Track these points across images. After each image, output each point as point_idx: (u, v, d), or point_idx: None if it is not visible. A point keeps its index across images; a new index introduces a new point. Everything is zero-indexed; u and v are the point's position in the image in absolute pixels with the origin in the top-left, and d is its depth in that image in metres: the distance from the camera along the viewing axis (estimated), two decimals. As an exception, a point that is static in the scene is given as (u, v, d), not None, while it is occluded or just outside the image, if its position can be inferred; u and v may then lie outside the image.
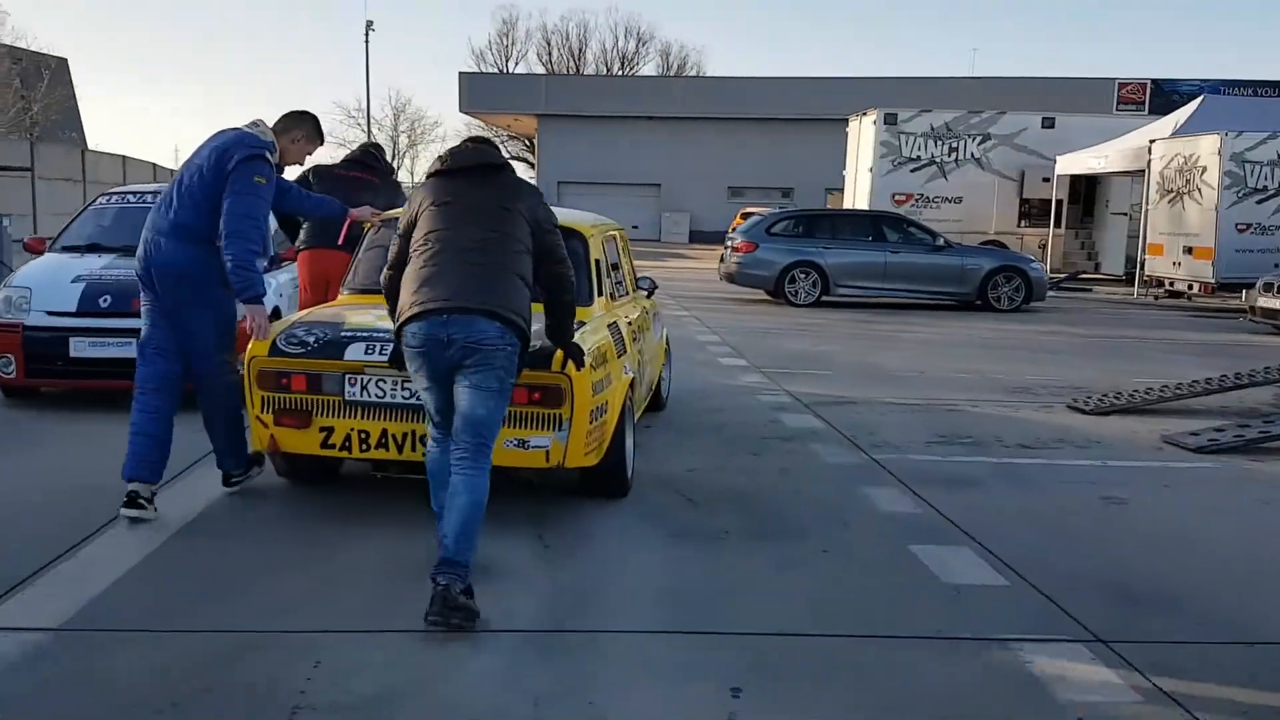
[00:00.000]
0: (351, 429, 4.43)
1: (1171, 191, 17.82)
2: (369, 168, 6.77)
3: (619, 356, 4.92)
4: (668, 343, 7.39)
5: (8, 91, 30.73)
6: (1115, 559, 4.44)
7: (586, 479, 4.81)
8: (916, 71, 63.64)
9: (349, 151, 7.23)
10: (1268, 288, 13.77)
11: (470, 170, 3.91)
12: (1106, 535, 4.80)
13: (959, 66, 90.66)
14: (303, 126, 4.88)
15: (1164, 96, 35.17)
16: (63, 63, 44.76)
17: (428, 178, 4.01)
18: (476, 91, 40.64)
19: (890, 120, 23.63)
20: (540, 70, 55.01)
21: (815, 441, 6.44)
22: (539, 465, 4.37)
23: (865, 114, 24.29)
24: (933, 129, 23.51)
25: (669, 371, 7.36)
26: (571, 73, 53.92)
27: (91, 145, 42.17)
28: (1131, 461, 6.26)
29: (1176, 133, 18.74)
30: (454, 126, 59.61)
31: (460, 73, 40.48)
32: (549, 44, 60.53)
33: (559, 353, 4.18)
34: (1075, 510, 5.18)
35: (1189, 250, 17.23)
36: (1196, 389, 7.98)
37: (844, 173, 26.17)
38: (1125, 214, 23.04)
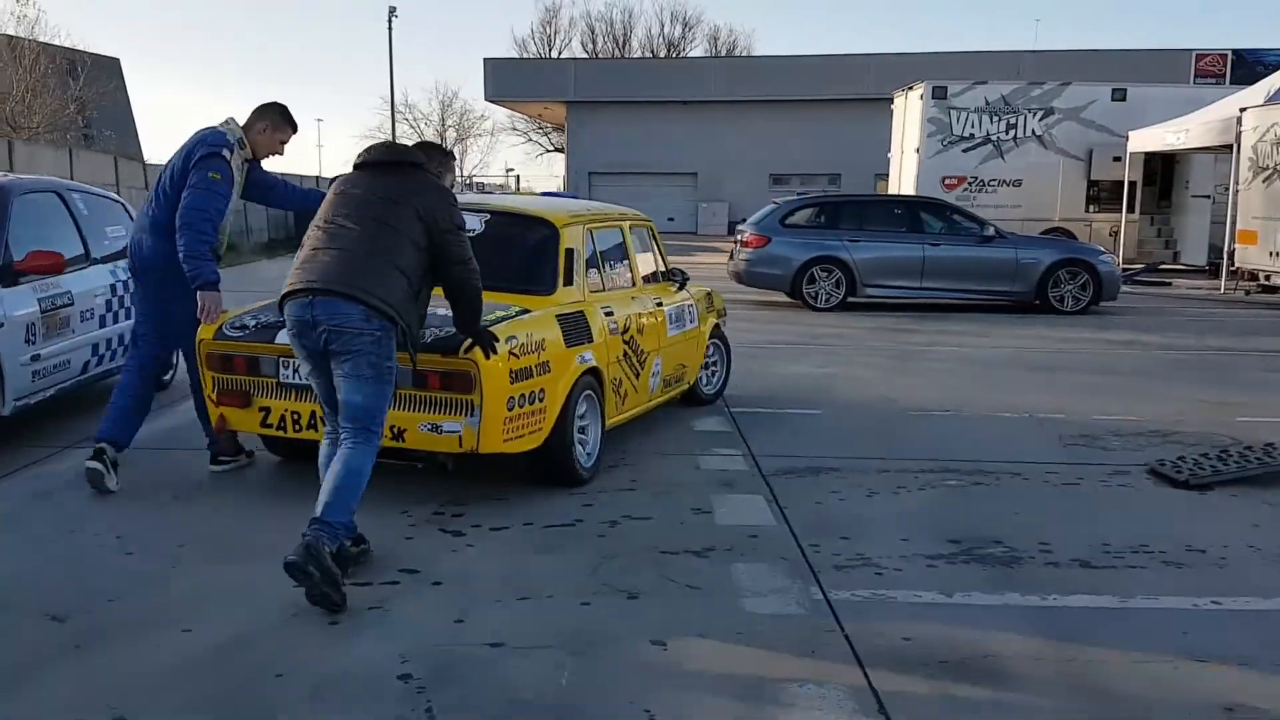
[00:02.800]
0: (285, 410, 4.67)
1: (1267, 169, 15.04)
2: None
3: (575, 346, 4.93)
4: (722, 338, 7.22)
5: (46, 91, 29.55)
6: None
7: (533, 465, 4.93)
8: (975, 46, 60.19)
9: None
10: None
11: (379, 165, 4.01)
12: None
13: (1022, 40, 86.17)
14: (266, 117, 5.03)
15: (1247, 68, 31.88)
16: (114, 63, 43.86)
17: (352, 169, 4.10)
18: (502, 79, 38.50)
19: (939, 94, 21.04)
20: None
21: (745, 557, 4.12)
22: (453, 450, 4.46)
23: (911, 88, 21.72)
24: (988, 103, 20.87)
25: (723, 367, 7.25)
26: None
27: (145, 147, 41.39)
28: (1266, 601, 3.85)
29: (1271, 99, 15.92)
30: (499, 119, 57.90)
31: (485, 59, 38.29)
32: (593, 31, 58.92)
33: (469, 339, 4.28)
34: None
35: (1289, 238, 14.49)
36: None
37: (889, 155, 23.66)
38: (1208, 197, 20.21)
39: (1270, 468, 5.36)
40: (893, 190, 22.49)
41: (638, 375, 5.69)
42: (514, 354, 4.46)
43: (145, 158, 31.60)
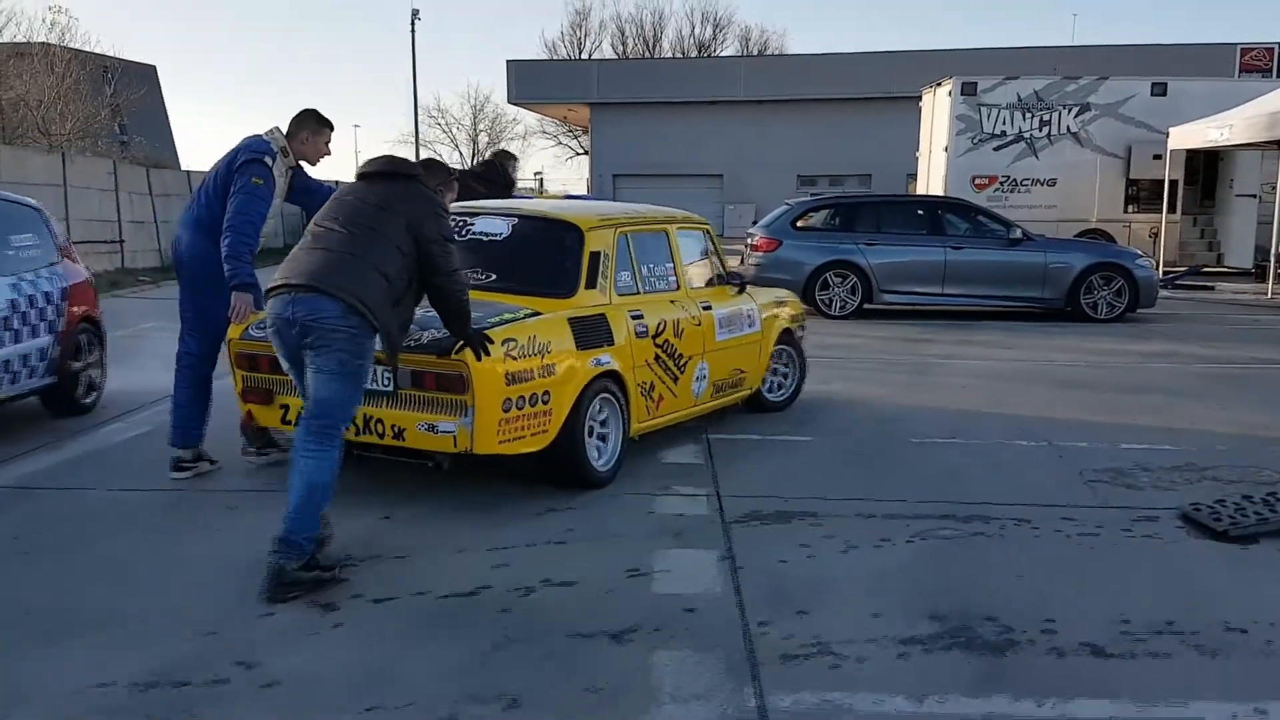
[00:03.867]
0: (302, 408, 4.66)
1: (1319, 164, 14.03)
2: (484, 179, 7.43)
3: (590, 349, 4.95)
4: (794, 345, 7.03)
5: (78, 98, 29.38)
6: None
7: (541, 466, 4.95)
8: (1010, 42, 58.62)
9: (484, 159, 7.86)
10: None
11: (376, 175, 4.14)
12: None
13: (1059, 37, 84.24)
14: (305, 126, 5.18)
15: (1297, 62, 30.62)
16: (149, 70, 43.88)
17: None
18: (525, 81, 37.87)
19: (968, 90, 20.08)
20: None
21: (674, 641, 3.35)
22: (448, 450, 4.52)
23: (939, 84, 20.80)
24: (1020, 99, 19.88)
25: (794, 375, 7.07)
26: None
27: (181, 155, 41.48)
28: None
29: (1325, 91, 14.90)
30: (530, 123, 57.45)
31: (508, 60, 37.67)
32: (623, 33, 58.33)
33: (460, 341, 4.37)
34: None
35: (1343, 239, 13.48)
36: None
37: (917, 154, 22.75)
38: (1254, 196, 19.14)
39: (1327, 516, 4.53)
40: (921, 190, 21.57)
41: (676, 379, 5.65)
42: (511, 356, 4.52)
43: (182, 165, 31.38)
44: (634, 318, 5.34)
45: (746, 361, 6.41)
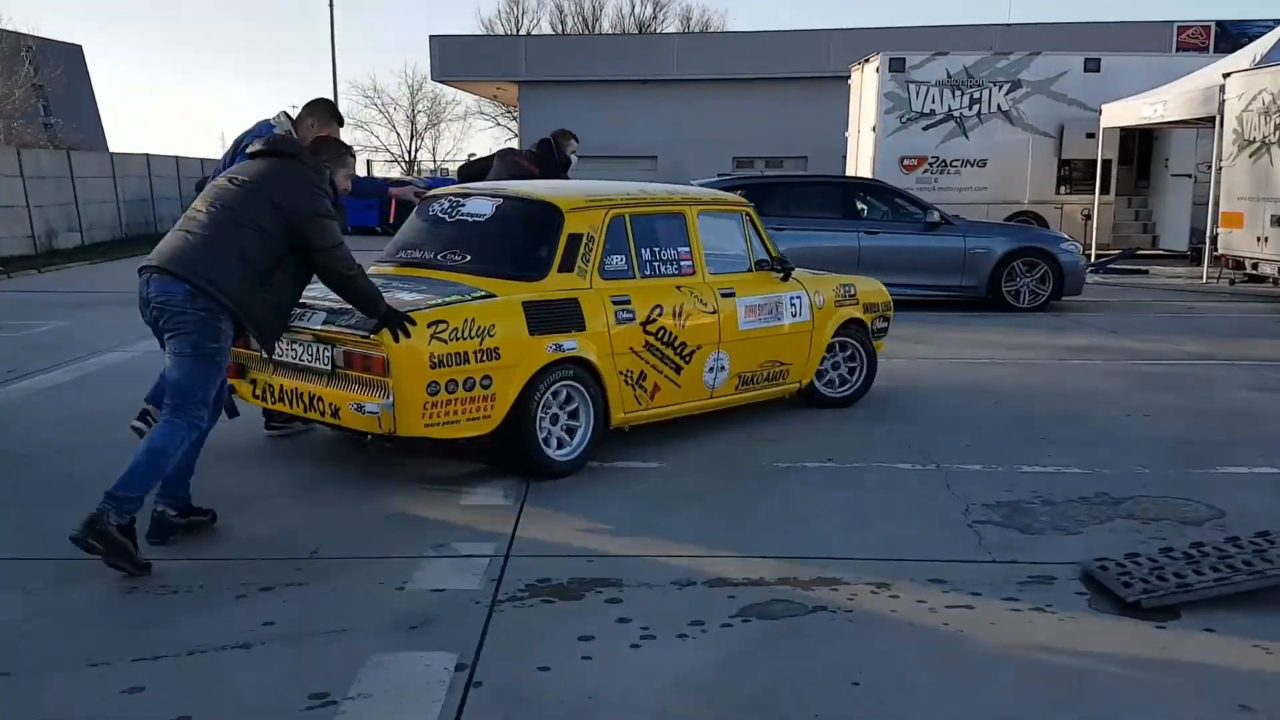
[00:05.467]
0: (266, 382, 5.00)
1: (1254, 142, 13.22)
2: (539, 159, 7.56)
3: (547, 334, 4.84)
4: (859, 337, 6.59)
5: (11, 80, 27.59)
6: None
7: (497, 451, 4.94)
8: (948, 19, 57.68)
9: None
10: None
11: (256, 155, 4.19)
12: None
13: (994, 16, 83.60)
14: (313, 114, 5.15)
15: (1231, 40, 30.00)
16: (75, 50, 41.72)
17: None
18: (450, 57, 36.31)
19: (896, 67, 19.18)
20: (554, 41, 50.89)
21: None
22: (374, 430, 4.53)
23: (867, 60, 19.89)
24: (949, 76, 18.98)
25: (861, 370, 6.65)
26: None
27: (111, 137, 39.65)
28: None
29: (1260, 63, 14.12)
30: (470, 104, 55.74)
31: (431, 36, 36.05)
32: (561, 11, 56.95)
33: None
34: None
35: (1278, 221, 12.68)
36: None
37: (846, 134, 21.86)
38: (1190, 176, 18.43)
39: (1266, 579, 3.55)
40: (850, 171, 20.63)
41: (678, 369, 5.44)
42: (439, 338, 4.47)
43: (110, 147, 29.76)
44: (617, 303, 5.16)
45: (788, 353, 6.10)
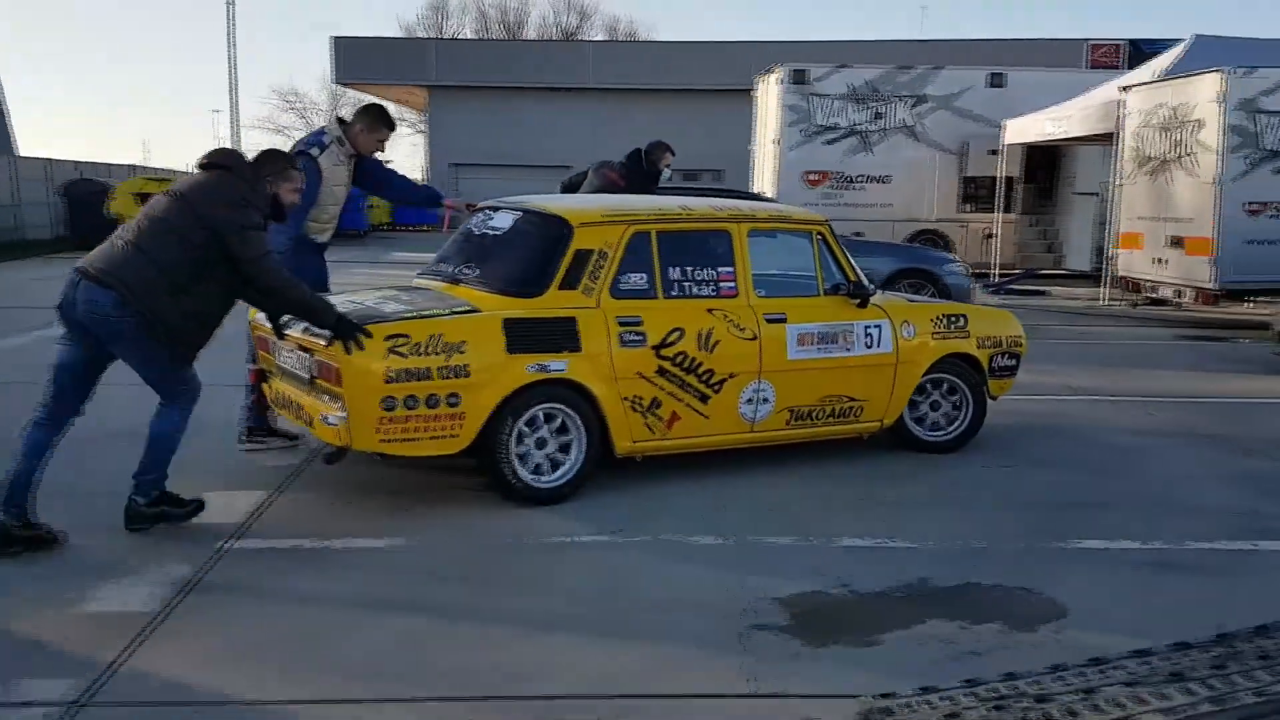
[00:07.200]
0: (276, 388, 5.12)
1: (1153, 159, 12.66)
2: (628, 170, 7.89)
3: (530, 353, 4.66)
4: (964, 374, 5.89)
5: None
6: None
7: (480, 468, 4.79)
8: (867, 35, 57.48)
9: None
10: (1305, 306, 8.69)
11: (202, 165, 4.27)
12: None
13: (910, 30, 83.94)
14: (362, 119, 5.58)
15: (1145, 59, 30.07)
16: None
17: None
18: (353, 60, 34.95)
19: (799, 79, 18.47)
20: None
21: None
22: (336, 442, 4.50)
23: (770, 71, 19.16)
24: (852, 89, 18.30)
25: (965, 411, 5.92)
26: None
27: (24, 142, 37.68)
28: None
29: (1160, 78, 13.59)
30: (392, 111, 53.86)
31: (332, 37, 34.73)
32: (485, 17, 55.86)
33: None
34: None
35: (1178, 242, 12.08)
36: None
37: (750, 147, 21.16)
38: (1094, 194, 17.97)
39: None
40: (755, 187, 19.87)
41: (704, 399, 5.09)
42: (397, 353, 4.38)
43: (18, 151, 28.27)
44: (625, 324, 4.90)
45: (861, 388, 5.57)
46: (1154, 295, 12.96)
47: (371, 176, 5.79)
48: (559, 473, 4.79)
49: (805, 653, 3.31)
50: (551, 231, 5.03)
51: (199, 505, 4.30)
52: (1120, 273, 13.39)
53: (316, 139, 5.48)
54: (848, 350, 5.50)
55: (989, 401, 6.07)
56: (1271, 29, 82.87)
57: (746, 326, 5.19)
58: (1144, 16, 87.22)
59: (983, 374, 6.01)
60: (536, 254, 5.00)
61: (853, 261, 5.69)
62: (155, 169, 34.43)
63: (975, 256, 17.38)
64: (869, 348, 5.56)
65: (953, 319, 5.97)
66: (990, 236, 17.63)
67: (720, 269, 5.25)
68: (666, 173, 8.12)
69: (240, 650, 3.25)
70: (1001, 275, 16.85)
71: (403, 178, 6.10)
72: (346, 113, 5.76)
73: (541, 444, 4.75)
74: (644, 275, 5.03)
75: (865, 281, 5.67)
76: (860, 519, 4.66)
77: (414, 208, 6.74)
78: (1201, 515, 4.90)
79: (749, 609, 3.62)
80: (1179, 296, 12.17)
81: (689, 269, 5.16)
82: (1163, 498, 5.18)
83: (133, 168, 31.15)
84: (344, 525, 4.40)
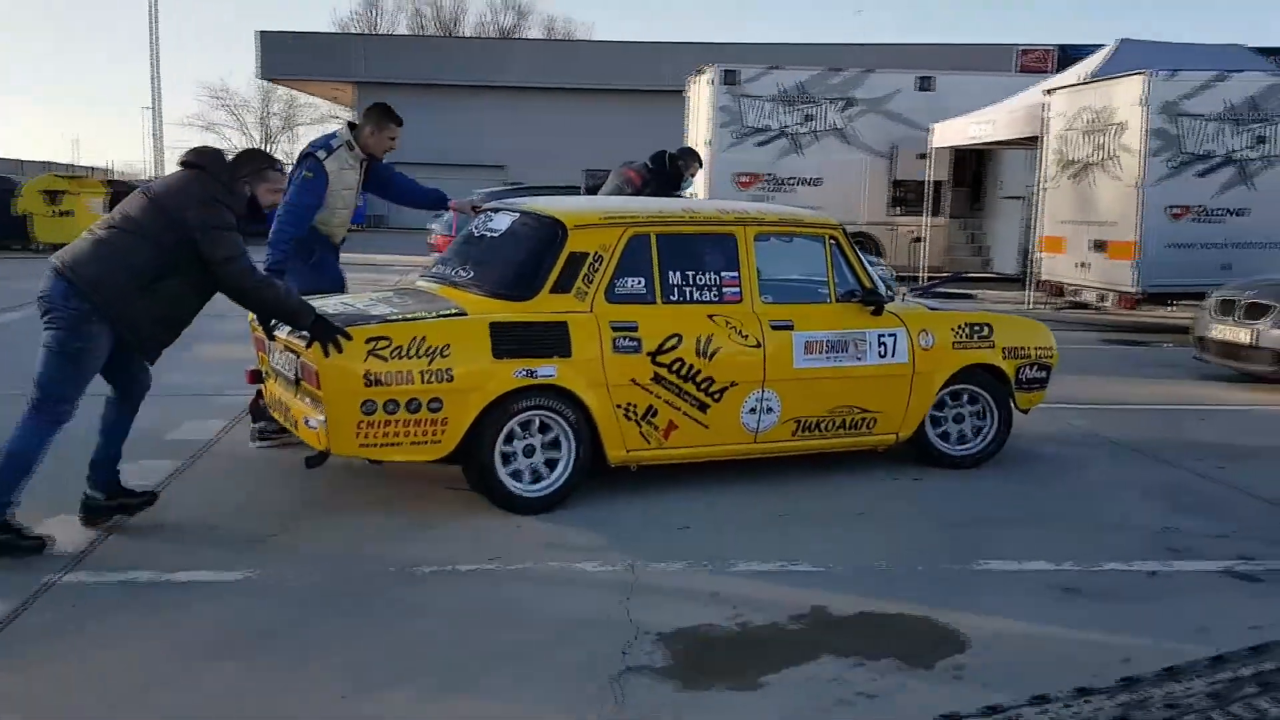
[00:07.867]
0: (270, 391, 5.13)
1: (1076, 163, 12.64)
2: (652, 173, 7.51)
3: (517, 359, 4.55)
4: (991, 385, 5.67)
5: None
6: None
7: (466, 476, 4.71)
8: (804, 38, 57.74)
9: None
10: (1226, 309, 8.63)
11: (181, 164, 4.23)
12: None
13: (846, 34, 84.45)
14: (369, 120, 5.62)
15: (1074, 64, 30.44)
16: None
17: None
18: (277, 55, 34.27)
19: (730, 79, 18.28)
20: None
21: None
22: (317, 445, 4.42)
23: (701, 72, 18.95)
24: (783, 91, 18.16)
25: (991, 425, 5.72)
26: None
27: None
28: None
29: (1084, 81, 13.59)
30: (325, 108, 53.14)
31: (257, 31, 33.99)
32: (420, 15, 55.17)
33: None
34: None
35: (1100, 245, 12.05)
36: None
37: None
38: (1020, 198, 18.03)
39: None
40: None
41: (704, 408, 4.95)
42: (378, 356, 4.32)
43: None
44: (619, 330, 4.76)
45: (874, 399, 5.37)
46: (1076, 299, 12.96)
47: (376, 179, 5.80)
48: (547, 481, 4.68)
49: (680, 700, 3.01)
50: (546, 234, 4.93)
51: (40, 544, 3.96)
52: (1044, 276, 13.38)
53: (325, 142, 5.55)
54: (859, 359, 5.31)
55: (1018, 415, 5.84)
56: (1200, 34, 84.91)
57: (750, 333, 5.04)
58: (1082, 17, 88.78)
59: (1009, 386, 5.79)
60: (530, 256, 4.90)
61: (868, 267, 5.50)
62: (69, 165, 33.39)
63: (904, 260, 17.36)
64: (883, 357, 5.36)
65: (976, 328, 5.73)
66: (919, 240, 17.59)
67: (724, 274, 5.09)
68: (690, 182, 7.95)
69: (42, 710, 2.86)
70: (930, 279, 16.81)
71: (408, 180, 6.09)
72: (354, 116, 5.67)
73: (530, 451, 4.64)
74: (642, 279, 4.90)
75: (881, 288, 5.51)
76: (760, 541, 4.39)
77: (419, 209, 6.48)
78: (1118, 531, 4.71)
79: (629, 648, 3.31)
80: (1101, 300, 12.15)
81: (690, 273, 5.01)
82: (1080, 512, 4.99)
83: (47, 165, 30.15)
84: (198, 556, 4.01)
